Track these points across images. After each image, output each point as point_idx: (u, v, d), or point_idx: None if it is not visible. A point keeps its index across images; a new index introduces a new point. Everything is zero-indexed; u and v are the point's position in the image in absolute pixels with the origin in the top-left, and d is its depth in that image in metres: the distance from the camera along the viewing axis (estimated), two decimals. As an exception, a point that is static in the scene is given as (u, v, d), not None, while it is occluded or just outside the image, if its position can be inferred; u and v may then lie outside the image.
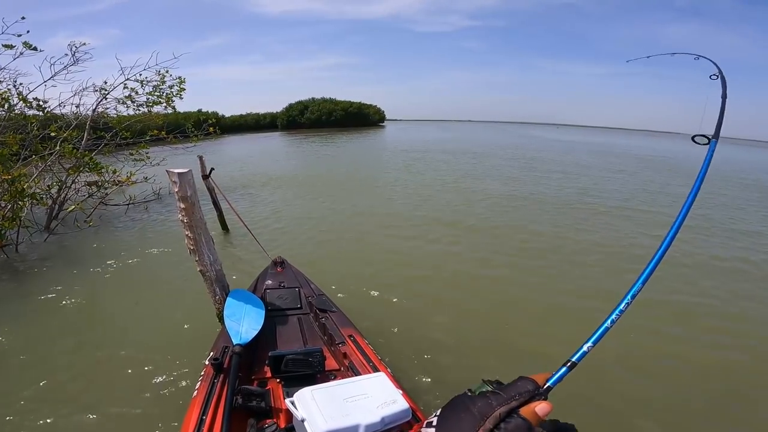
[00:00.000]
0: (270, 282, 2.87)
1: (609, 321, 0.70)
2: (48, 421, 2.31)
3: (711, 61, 1.78)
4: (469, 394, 0.69)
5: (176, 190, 2.39)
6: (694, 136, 1.24)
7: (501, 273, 4.54)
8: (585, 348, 0.67)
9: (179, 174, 2.37)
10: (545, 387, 0.60)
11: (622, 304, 0.72)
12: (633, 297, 0.72)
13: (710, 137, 1.22)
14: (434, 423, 0.59)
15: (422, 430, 0.60)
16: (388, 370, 1.96)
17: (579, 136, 47.87)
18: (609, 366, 2.82)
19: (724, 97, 1.57)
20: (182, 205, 2.42)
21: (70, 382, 2.65)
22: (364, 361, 2.01)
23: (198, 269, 2.61)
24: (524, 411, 0.55)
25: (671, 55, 2.42)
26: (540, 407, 0.56)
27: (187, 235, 2.52)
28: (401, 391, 1.48)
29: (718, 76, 1.68)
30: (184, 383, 2.58)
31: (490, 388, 0.71)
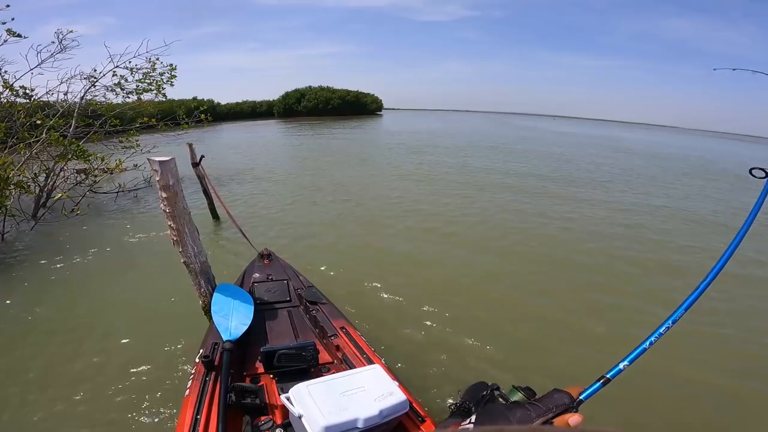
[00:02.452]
0: (257, 275, 2.80)
1: (648, 342, 0.70)
2: (25, 421, 2.25)
3: None
4: (501, 401, 0.74)
5: (158, 178, 2.30)
6: (752, 169, 1.15)
7: (495, 268, 4.50)
8: (621, 366, 0.68)
9: (160, 162, 2.27)
10: (578, 400, 0.62)
11: (663, 328, 0.72)
12: (674, 322, 0.72)
13: None
14: (470, 430, 0.63)
15: None
16: (382, 361, 1.93)
17: (582, 128, 47.29)
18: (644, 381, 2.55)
19: None
20: (164, 195, 2.33)
21: (51, 380, 2.57)
22: (358, 353, 1.98)
23: (182, 261, 2.53)
24: (558, 422, 0.58)
25: (752, 72, 2.57)
26: (573, 419, 0.58)
27: (169, 225, 2.43)
28: (397, 383, 1.46)
29: None
30: (174, 379, 2.51)
31: (521, 395, 0.74)
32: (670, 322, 0.72)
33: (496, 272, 4.33)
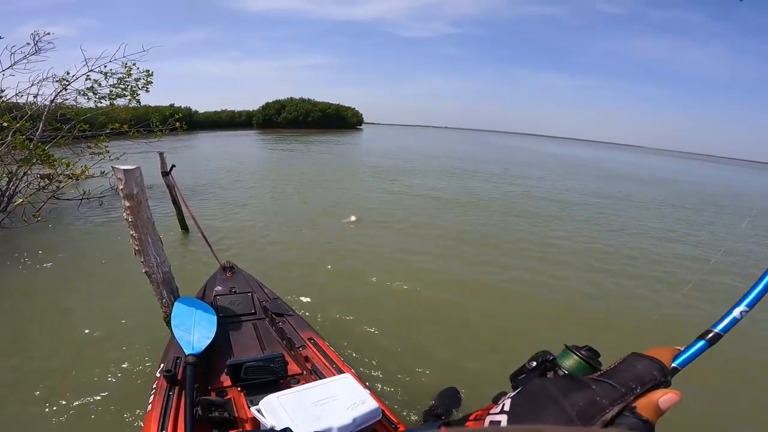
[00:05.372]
0: (220, 288, 2.76)
1: None
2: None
3: None
4: (555, 372, 0.53)
5: (121, 187, 2.28)
6: None
7: (463, 279, 4.59)
8: (736, 313, 0.46)
9: (125, 171, 2.26)
10: (671, 369, 0.42)
11: None
12: None
13: None
14: (503, 424, 0.41)
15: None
16: (353, 370, 1.93)
17: (564, 148, 48.09)
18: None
19: None
20: (127, 204, 2.31)
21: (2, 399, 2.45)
22: (327, 364, 1.98)
23: (143, 271, 2.50)
24: (642, 405, 0.38)
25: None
26: (665, 399, 0.38)
27: (132, 235, 2.40)
28: (368, 391, 1.48)
29: None
30: (136, 394, 2.42)
31: (581, 361, 0.53)
32: None
33: (463, 282, 4.43)
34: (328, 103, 54.27)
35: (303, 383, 1.74)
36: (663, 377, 0.40)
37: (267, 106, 50.75)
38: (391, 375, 2.75)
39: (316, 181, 10.57)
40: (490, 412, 0.44)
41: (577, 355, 0.53)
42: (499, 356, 2.98)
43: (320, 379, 1.80)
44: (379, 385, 2.62)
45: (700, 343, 0.45)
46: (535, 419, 0.39)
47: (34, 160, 5.70)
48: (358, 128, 57.57)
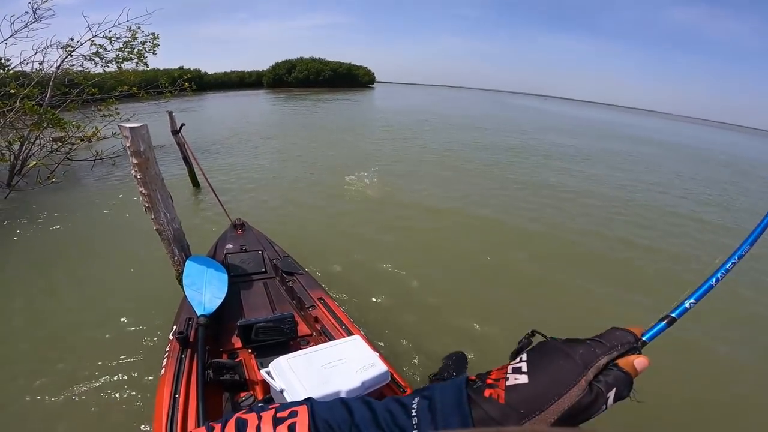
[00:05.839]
0: (230, 246, 2.75)
1: (714, 279, 0.64)
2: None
3: None
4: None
5: (128, 144, 2.27)
6: None
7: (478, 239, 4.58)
8: (687, 304, 0.61)
9: (131, 129, 2.24)
10: (641, 340, 0.55)
11: (729, 263, 0.66)
12: (740, 257, 0.67)
13: None
14: (524, 369, 0.52)
15: (508, 375, 0.52)
16: (362, 332, 1.93)
17: (587, 111, 46.34)
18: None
19: None
20: (135, 161, 2.31)
21: (22, 358, 2.53)
22: (337, 325, 1.97)
23: (154, 228, 2.53)
24: (623, 363, 0.51)
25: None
26: (639, 361, 0.51)
27: (141, 192, 2.41)
28: (378, 354, 1.47)
29: None
30: (151, 356, 2.47)
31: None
32: (735, 257, 0.66)
33: (478, 248, 4.39)
34: (340, 62, 52.91)
35: (313, 344, 1.74)
36: (636, 343, 0.53)
37: (277, 65, 49.73)
38: (400, 337, 2.75)
39: (324, 141, 10.43)
40: (511, 363, 0.54)
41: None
42: (512, 325, 2.92)
43: (330, 340, 1.81)
44: (388, 347, 2.62)
45: (661, 324, 0.58)
46: (553, 363, 0.51)
47: (45, 124, 5.76)
48: (370, 87, 56.14)
